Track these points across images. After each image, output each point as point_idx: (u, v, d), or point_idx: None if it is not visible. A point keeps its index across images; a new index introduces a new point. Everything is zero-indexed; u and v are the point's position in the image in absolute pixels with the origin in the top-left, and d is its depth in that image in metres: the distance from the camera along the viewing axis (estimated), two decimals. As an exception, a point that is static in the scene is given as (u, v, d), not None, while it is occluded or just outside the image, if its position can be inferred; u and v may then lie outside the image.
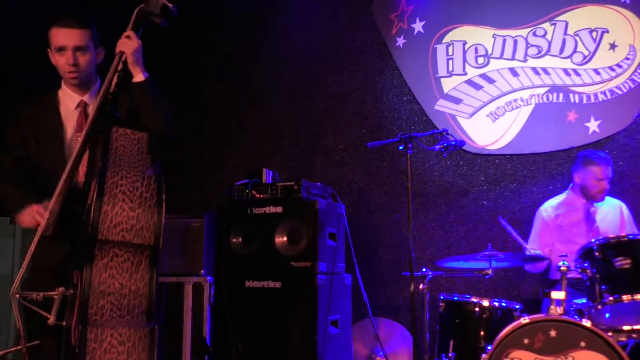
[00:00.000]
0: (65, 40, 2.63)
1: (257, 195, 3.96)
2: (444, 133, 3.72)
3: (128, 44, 2.60)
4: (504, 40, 4.62)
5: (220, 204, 4.06)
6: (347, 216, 4.19)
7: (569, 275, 3.41)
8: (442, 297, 3.51)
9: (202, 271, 3.90)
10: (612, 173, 3.92)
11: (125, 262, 2.43)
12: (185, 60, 5.43)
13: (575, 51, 4.44)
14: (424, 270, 3.55)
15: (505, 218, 4.12)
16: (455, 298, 3.48)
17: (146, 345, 2.46)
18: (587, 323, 2.86)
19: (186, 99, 5.21)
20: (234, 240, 3.95)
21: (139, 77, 2.64)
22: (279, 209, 3.86)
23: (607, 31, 4.37)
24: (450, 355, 3.29)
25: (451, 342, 3.32)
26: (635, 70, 4.30)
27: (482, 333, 3.28)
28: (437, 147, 3.67)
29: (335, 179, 4.76)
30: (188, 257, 3.99)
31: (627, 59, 4.31)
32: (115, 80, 2.56)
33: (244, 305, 3.83)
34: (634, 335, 3.15)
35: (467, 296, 3.46)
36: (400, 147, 3.65)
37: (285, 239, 3.84)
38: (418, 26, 4.87)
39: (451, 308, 3.47)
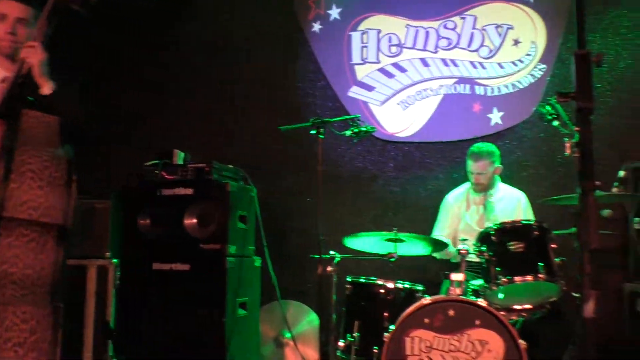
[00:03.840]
0: (9, 9, 2.64)
1: (167, 177, 3.89)
2: (356, 119, 3.80)
3: (33, 55, 2.54)
4: (417, 31, 4.75)
5: (127, 185, 3.96)
6: (259, 199, 4.20)
7: (469, 259, 3.60)
8: (348, 279, 3.59)
9: (107, 254, 3.79)
10: (491, 168, 4.08)
11: (30, 242, 2.43)
12: (96, 41, 5.23)
13: (482, 45, 4.64)
14: (331, 253, 3.61)
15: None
16: (362, 280, 3.56)
17: (50, 323, 2.47)
18: (482, 303, 3.03)
19: (96, 77, 5.02)
20: (142, 222, 3.86)
21: (45, 89, 2.58)
22: (189, 191, 3.81)
23: (512, 27, 4.59)
24: (354, 335, 3.37)
25: (356, 323, 3.40)
26: (535, 66, 4.55)
27: (386, 314, 3.37)
28: (349, 132, 3.74)
29: (248, 162, 4.72)
30: (93, 240, 3.85)
31: (528, 54, 4.56)
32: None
33: (151, 288, 3.77)
34: (523, 314, 3.36)
35: (373, 278, 3.55)
36: (313, 132, 3.69)
37: (195, 221, 3.80)
38: (334, 12, 4.91)
39: (357, 290, 3.55)
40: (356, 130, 3.72)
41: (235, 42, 5.08)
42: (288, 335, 4.30)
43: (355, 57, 4.85)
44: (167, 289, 3.74)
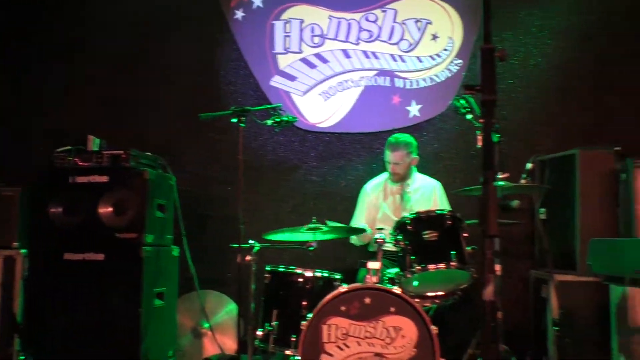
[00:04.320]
0: None
1: (81, 164, 3.76)
2: (277, 108, 3.80)
3: None
4: (339, 23, 4.79)
5: (38, 172, 3.79)
6: (178, 188, 4.13)
7: (386, 248, 3.68)
8: (267, 269, 3.60)
9: (15, 243, 3.62)
10: (408, 158, 4.19)
11: None
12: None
13: (402, 39, 4.74)
14: (251, 242, 3.61)
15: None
16: (281, 269, 3.58)
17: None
18: (397, 290, 3.11)
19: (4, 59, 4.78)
20: (53, 210, 3.71)
21: None
22: (105, 178, 3.70)
23: (431, 22, 4.72)
24: (273, 324, 3.39)
25: (275, 312, 3.42)
26: (452, 61, 4.70)
27: (304, 303, 3.39)
28: (270, 121, 3.74)
29: (168, 150, 4.63)
30: None
31: (445, 49, 4.70)
32: None
33: (63, 279, 3.63)
34: (436, 301, 3.48)
35: (292, 267, 3.58)
36: (234, 120, 3.66)
37: (110, 209, 3.69)
38: (257, 0, 4.88)
39: (276, 279, 3.56)
40: (277, 119, 3.72)
41: (155, 26, 4.95)
42: (206, 325, 4.27)
43: (278, 47, 4.84)
44: (79, 280, 3.63)
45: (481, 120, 1.62)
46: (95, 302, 3.58)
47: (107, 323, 3.55)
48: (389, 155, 4.19)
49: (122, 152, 3.73)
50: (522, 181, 3.83)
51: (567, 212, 4.05)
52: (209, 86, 4.88)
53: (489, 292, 1.58)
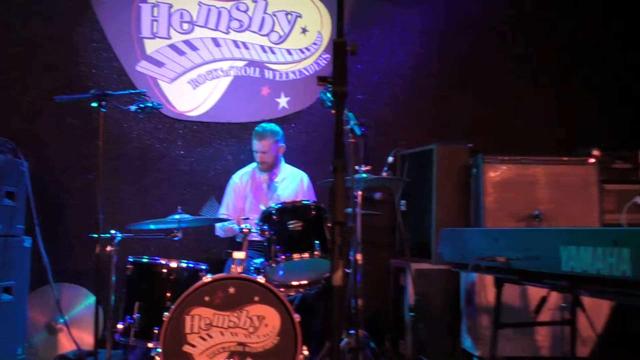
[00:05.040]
0: None
1: None
2: (142, 94, 3.67)
3: None
4: (209, 10, 4.71)
5: None
6: (31, 174, 3.87)
7: (253, 238, 3.69)
8: (130, 260, 3.48)
9: None
10: (274, 148, 4.23)
11: None
12: None
13: (272, 30, 4.76)
14: (112, 232, 3.46)
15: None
16: (144, 260, 3.47)
17: None
18: (261, 280, 3.14)
19: None
20: None
21: None
22: (-56, 163, 3.37)
23: (300, 16, 4.77)
24: (135, 317, 3.28)
25: (137, 304, 3.31)
26: (320, 55, 4.79)
27: (168, 294, 3.33)
28: (134, 107, 3.60)
29: (19, 134, 4.31)
30: None
31: (315, 43, 4.79)
32: None
33: None
34: (301, 290, 3.55)
35: (156, 258, 3.48)
36: (94, 105, 3.49)
37: (-49, 197, 3.38)
38: (122, -21, 4.66)
39: (139, 270, 3.45)
40: (142, 105, 3.60)
41: (8, 1, 4.58)
42: (62, 320, 4.04)
43: (145, 31, 4.66)
44: None
45: (333, 112, 1.67)
46: None
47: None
48: (256, 144, 4.21)
49: (-34, 134, 3.42)
50: (384, 174, 4.01)
51: (424, 204, 4.29)
52: (67, 68, 4.60)
53: (337, 277, 1.63)
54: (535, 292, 3.37)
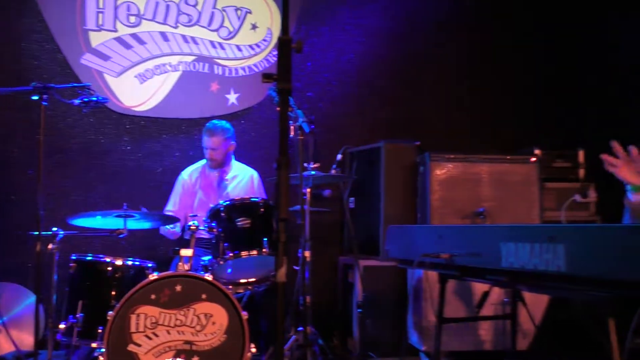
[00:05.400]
0: None
1: None
2: (86, 88, 3.58)
3: None
4: (157, 3, 4.63)
5: None
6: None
7: (201, 236, 3.66)
8: (73, 257, 3.40)
9: None
10: (225, 145, 4.21)
11: None
12: None
13: (222, 26, 4.72)
14: (54, 229, 3.37)
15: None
16: (88, 258, 3.40)
17: None
18: (208, 277, 3.11)
19: None
20: None
21: None
22: None
23: (250, 12, 4.75)
24: (78, 316, 3.21)
25: (80, 303, 3.24)
26: (270, 52, 4.78)
27: (113, 292, 3.28)
28: (77, 101, 3.51)
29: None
30: None
31: (264, 40, 4.77)
32: None
33: None
34: (249, 287, 3.54)
35: (101, 256, 3.41)
36: (35, 98, 3.38)
37: None
38: (65, -31, 4.54)
39: (83, 268, 3.38)
40: (86, 99, 3.50)
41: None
42: (0, 321, 3.91)
43: (90, 23, 4.55)
44: None
45: (278, 109, 1.68)
46: None
47: None
48: (207, 141, 4.17)
49: None
50: (333, 171, 4.03)
51: (372, 201, 4.34)
52: (8, 59, 4.44)
53: (281, 274, 1.64)
54: (480, 288, 3.46)
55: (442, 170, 4.08)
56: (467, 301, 3.76)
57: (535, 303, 3.49)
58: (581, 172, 4.58)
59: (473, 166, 4.10)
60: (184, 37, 4.66)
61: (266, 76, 1.77)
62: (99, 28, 4.55)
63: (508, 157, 4.17)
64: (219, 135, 4.16)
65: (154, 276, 3.08)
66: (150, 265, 3.41)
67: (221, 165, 4.26)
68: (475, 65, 5.12)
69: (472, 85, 5.11)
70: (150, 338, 2.99)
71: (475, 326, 3.80)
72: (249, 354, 3.05)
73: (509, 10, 5.19)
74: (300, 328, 3.43)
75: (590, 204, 4.52)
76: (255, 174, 4.39)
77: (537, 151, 4.36)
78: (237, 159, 4.41)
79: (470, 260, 2.20)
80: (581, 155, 4.60)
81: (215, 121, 4.26)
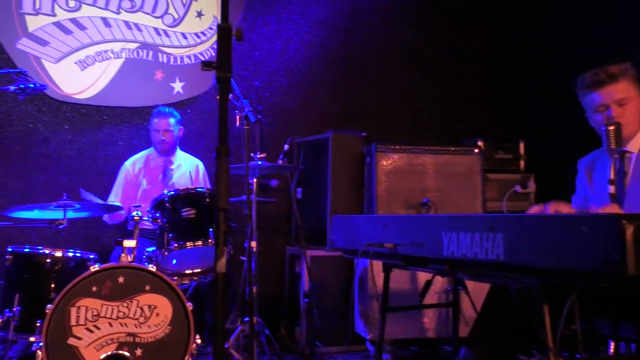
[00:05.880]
0: None
1: None
2: (22, 74, 3.44)
3: None
4: (99, -12, 4.50)
5: None
6: None
7: (145, 226, 3.59)
8: (10, 250, 3.29)
9: None
10: (176, 128, 4.18)
11: None
12: None
13: (166, 12, 4.62)
14: (-12, 221, 3.25)
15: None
16: (26, 250, 3.29)
17: None
18: (152, 268, 3.06)
19: None
20: None
21: None
22: None
23: (196, -1, 4.67)
24: (14, 310, 3.11)
25: (17, 297, 3.14)
26: (216, 41, 4.69)
27: (52, 285, 3.19)
28: (13, 87, 3.37)
29: None
30: None
31: (210, 28, 4.70)
32: None
33: None
34: (195, 278, 3.51)
35: (39, 248, 3.31)
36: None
37: None
38: (-1, -51, 4.34)
39: (20, 261, 3.27)
40: (22, 86, 3.37)
41: None
42: None
43: (27, 6, 4.36)
44: None
45: (217, 97, 1.66)
46: None
47: None
48: (158, 123, 4.10)
49: None
50: (280, 162, 4.02)
51: (320, 191, 4.35)
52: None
53: (221, 264, 1.63)
54: (424, 277, 3.52)
55: (387, 161, 4.13)
56: (411, 290, 3.83)
57: (478, 291, 3.58)
58: (522, 164, 4.72)
59: (418, 157, 4.17)
60: (126, 23, 4.54)
61: (206, 64, 1.74)
62: (36, 12, 4.38)
63: (452, 149, 4.25)
64: (172, 117, 4.11)
65: (95, 268, 3.00)
66: (91, 256, 3.32)
67: (171, 150, 4.19)
68: (420, 57, 5.19)
69: (417, 77, 5.18)
70: (91, 331, 2.92)
71: (419, 314, 3.87)
72: (194, 345, 3.02)
73: (454, 3, 5.28)
74: (246, 318, 3.41)
75: (530, 195, 4.66)
76: (200, 163, 4.34)
77: (480, 143, 4.46)
78: (183, 149, 4.35)
79: (413, 249, 2.23)
80: (522, 147, 4.74)
81: (162, 107, 4.21)
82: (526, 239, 1.73)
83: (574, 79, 2.57)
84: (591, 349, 2.29)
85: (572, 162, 2.94)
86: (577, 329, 1.71)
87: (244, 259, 3.51)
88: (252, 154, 3.50)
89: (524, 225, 1.77)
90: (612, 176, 2.22)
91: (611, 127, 2.26)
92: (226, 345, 3.39)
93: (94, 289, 2.95)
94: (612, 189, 2.22)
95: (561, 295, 1.69)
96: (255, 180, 3.58)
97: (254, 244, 3.49)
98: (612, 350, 2.43)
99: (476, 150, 4.29)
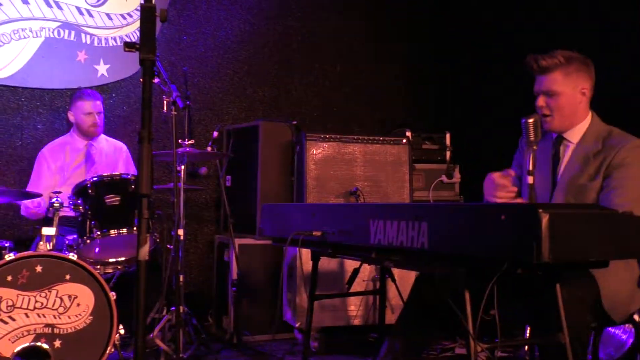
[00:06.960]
0: None
1: None
2: None
3: None
4: (17, -38, 4.26)
5: None
6: None
7: (66, 214, 3.45)
8: None
9: None
10: (103, 108, 4.05)
11: None
12: None
13: (90, -9, 4.43)
14: None
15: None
16: None
17: None
18: (73, 257, 2.95)
19: None
20: None
21: None
22: None
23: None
24: None
25: None
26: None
27: (-36, 275, 3.02)
28: None
29: None
30: None
31: (137, 9, 4.54)
32: None
33: None
34: (119, 267, 3.41)
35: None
36: None
37: None
38: None
39: None
40: None
41: None
42: None
43: None
44: None
45: (141, 79, 1.61)
46: None
47: None
48: (89, 106, 3.92)
49: None
50: (209, 149, 3.96)
51: (249, 179, 4.32)
52: None
53: (143, 252, 1.59)
54: (352, 265, 3.56)
55: (317, 150, 4.14)
56: (340, 278, 3.87)
57: (405, 279, 3.66)
58: (448, 154, 4.84)
59: (347, 146, 4.20)
60: (46, 1, 4.32)
61: (128, 45, 1.68)
62: (-52, -14, 4.11)
63: (381, 138, 4.31)
64: (99, 99, 3.97)
65: (10, 256, 2.86)
66: (7, 245, 3.16)
67: (100, 132, 4.04)
68: (350, 47, 5.22)
69: (349, 65, 5.21)
70: (5, 322, 2.79)
71: (347, 302, 3.92)
72: (117, 336, 2.94)
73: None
74: (173, 307, 3.35)
75: (455, 185, 4.80)
76: (124, 147, 4.21)
77: (408, 133, 4.54)
78: (107, 134, 4.20)
79: (341, 237, 2.25)
80: (448, 138, 4.86)
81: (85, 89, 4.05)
82: (449, 228, 1.78)
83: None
84: (509, 334, 2.39)
85: (497, 152, 3.04)
86: (496, 315, 1.77)
87: (171, 247, 3.44)
88: (180, 141, 3.42)
89: (447, 215, 1.82)
90: (530, 167, 2.30)
91: (530, 120, 2.33)
92: (151, 336, 3.32)
93: (9, 278, 2.82)
94: (530, 179, 2.30)
95: (482, 282, 1.74)
96: (183, 167, 3.50)
97: (181, 232, 3.43)
98: (528, 335, 2.54)
99: (404, 141, 4.36)
